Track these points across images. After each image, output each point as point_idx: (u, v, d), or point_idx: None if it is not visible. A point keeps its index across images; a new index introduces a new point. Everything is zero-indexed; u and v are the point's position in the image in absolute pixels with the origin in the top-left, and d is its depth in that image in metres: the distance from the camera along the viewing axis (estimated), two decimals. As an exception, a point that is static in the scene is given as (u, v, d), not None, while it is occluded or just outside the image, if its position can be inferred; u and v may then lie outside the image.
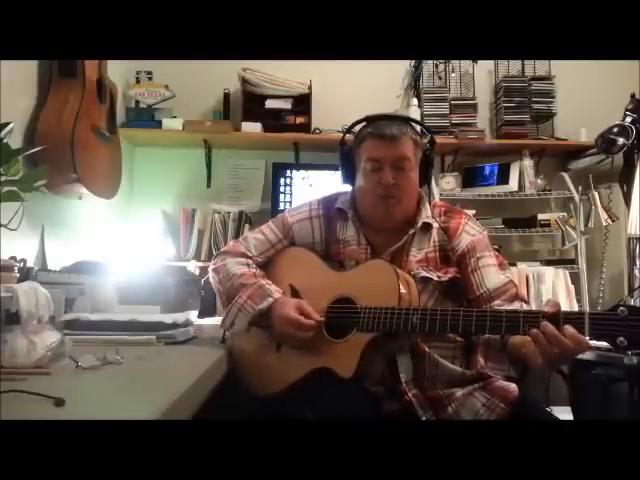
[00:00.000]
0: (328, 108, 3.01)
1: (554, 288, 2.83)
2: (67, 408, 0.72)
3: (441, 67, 3.16)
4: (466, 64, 3.15)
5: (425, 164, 1.37)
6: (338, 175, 1.44)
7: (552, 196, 3.08)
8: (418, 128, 1.41)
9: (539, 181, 3.04)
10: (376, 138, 1.31)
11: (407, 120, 1.38)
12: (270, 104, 2.94)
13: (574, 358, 1.04)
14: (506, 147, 3.06)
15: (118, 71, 2.55)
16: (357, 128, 1.40)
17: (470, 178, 3.10)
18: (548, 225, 2.99)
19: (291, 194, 3.00)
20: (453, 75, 3.15)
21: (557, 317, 1.03)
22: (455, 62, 3.14)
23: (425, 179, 1.38)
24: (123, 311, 1.57)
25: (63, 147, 1.86)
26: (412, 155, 1.32)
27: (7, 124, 1.04)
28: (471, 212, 2.59)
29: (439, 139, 2.82)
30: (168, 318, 1.43)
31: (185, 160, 3.11)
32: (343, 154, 1.41)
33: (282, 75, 2.94)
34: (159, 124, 2.88)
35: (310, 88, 2.94)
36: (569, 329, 1.00)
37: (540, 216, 3.00)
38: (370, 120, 1.36)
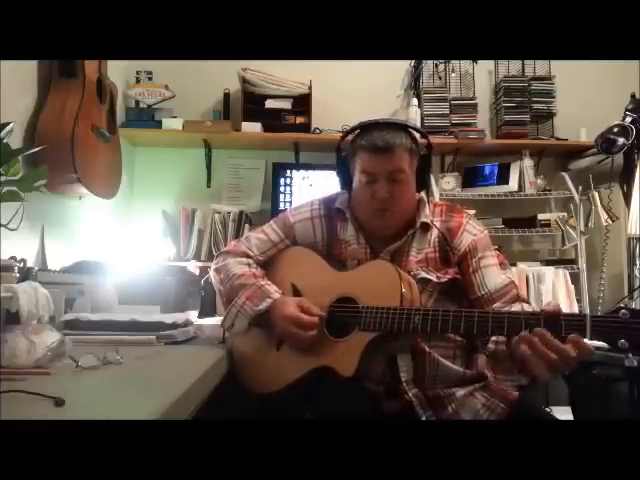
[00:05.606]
0: (328, 108, 3.01)
1: (554, 288, 2.83)
2: (67, 408, 0.72)
3: (441, 67, 3.16)
4: (466, 64, 3.16)
5: (422, 169, 1.35)
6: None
7: (552, 196, 3.09)
8: (414, 132, 1.37)
9: (539, 181, 3.04)
10: (369, 151, 1.28)
11: (402, 126, 1.34)
12: (270, 104, 2.95)
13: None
14: (506, 147, 3.06)
15: (118, 71, 2.55)
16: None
17: (470, 178, 3.10)
18: (548, 225, 2.99)
19: (291, 194, 3.00)
20: (453, 75, 3.16)
21: (558, 319, 1.02)
22: (455, 62, 3.14)
23: (423, 184, 1.37)
24: (123, 311, 1.57)
25: (63, 147, 1.86)
26: (407, 166, 1.30)
27: (7, 124, 1.03)
28: (471, 212, 2.59)
29: (439, 139, 2.87)
30: (168, 318, 1.43)
31: (185, 160, 3.11)
32: (339, 161, 1.39)
33: (282, 75, 2.94)
34: (159, 124, 2.88)
35: (310, 88, 2.94)
36: (572, 337, 0.99)
37: (540, 216, 3.01)
38: (364, 129, 1.33)
